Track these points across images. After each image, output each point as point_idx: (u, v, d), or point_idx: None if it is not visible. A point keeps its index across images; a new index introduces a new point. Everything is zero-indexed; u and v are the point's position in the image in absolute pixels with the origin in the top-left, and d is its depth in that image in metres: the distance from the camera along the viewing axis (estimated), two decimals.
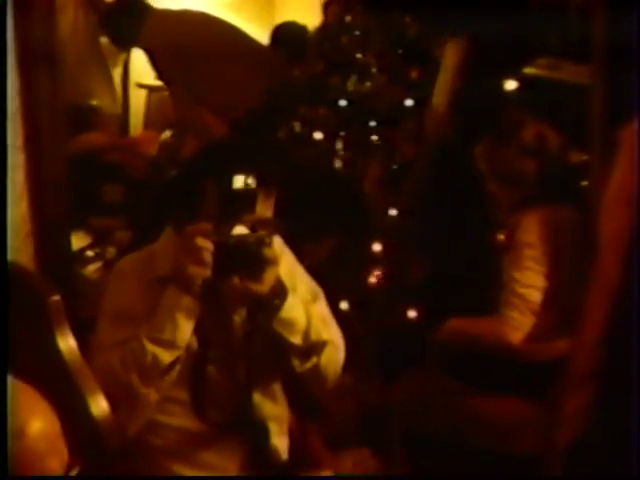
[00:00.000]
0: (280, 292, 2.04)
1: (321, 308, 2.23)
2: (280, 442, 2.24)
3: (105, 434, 1.72)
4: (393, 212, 3.45)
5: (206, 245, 1.96)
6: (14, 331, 1.69)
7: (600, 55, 2.57)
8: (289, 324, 2.06)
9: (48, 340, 1.70)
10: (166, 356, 2.00)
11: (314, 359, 2.13)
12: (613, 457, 2.47)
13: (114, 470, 1.76)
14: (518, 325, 2.63)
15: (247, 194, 2.00)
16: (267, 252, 1.98)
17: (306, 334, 2.09)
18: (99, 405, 1.72)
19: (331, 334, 2.19)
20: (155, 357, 1.99)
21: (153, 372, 2.00)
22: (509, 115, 2.86)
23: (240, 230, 1.98)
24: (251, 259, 1.97)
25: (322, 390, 2.26)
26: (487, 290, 2.78)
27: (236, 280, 1.99)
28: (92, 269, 3.63)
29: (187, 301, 2.01)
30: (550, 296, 2.64)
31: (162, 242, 2.19)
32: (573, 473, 2.60)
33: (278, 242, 2.19)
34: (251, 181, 1.99)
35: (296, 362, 2.12)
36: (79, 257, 3.55)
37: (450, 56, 3.39)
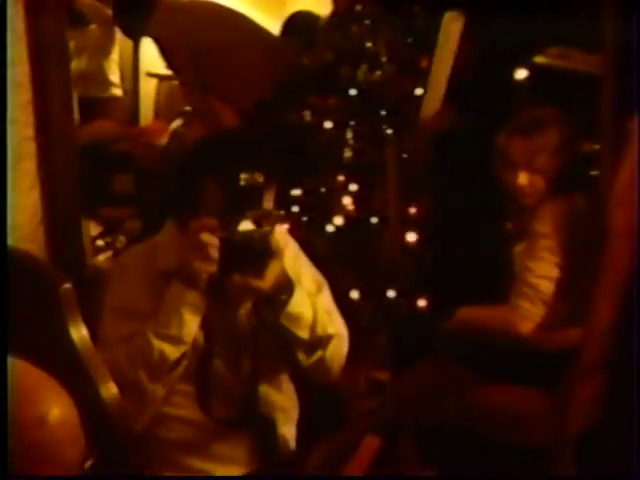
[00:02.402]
0: (287, 287, 2.03)
1: (326, 299, 2.23)
2: (288, 431, 2.25)
3: (117, 423, 1.72)
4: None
5: (212, 241, 1.95)
6: (26, 319, 1.70)
7: (611, 45, 2.56)
8: (296, 319, 2.06)
9: (60, 328, 1.71)
10: (173, 352, 2.01)
11: (320, 352, 2.13)
12: (623, 447, 2.47)
13: (126, 460, 1.77)
14: (528, 315, 2.62)
15: (254, 189, 1.98)
16: (271, 247, 1.96)
17: (313, 328, 2.09)
18: (111, 394, 1.73)
19: (336, 326, 2.19)
20: (162, 353, 1.99)
21: (160, 368, 2.01)
22: (533, 112, 2.81)
23: (245, 225, 1.96)
24: (256, 255, 1.95)
25: (326, 382, 2.26)
26: (497, 279, 2.78)
27: (240, 277, 1.97)
28: (103, 258, 3.65)
29: (193, 296, 2.00)
30: (562, 286, 2.64)
31: (163, 235, 2.19)
32: (584, 463, 2.60)
33: (282, 233, 2.19)
34: (258, 176, 1.97)
35: (302, 356, 2.12)
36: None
37: (448, 31, 3.35)
